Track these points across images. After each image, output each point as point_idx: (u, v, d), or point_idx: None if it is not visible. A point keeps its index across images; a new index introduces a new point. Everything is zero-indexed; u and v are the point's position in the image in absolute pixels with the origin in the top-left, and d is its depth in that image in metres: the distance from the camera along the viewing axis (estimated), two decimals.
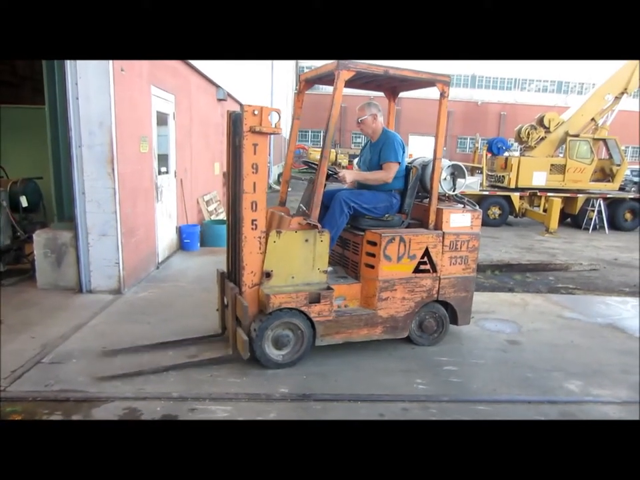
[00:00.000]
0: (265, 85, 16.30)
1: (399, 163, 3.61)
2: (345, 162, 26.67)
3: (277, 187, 18.93)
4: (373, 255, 3.47)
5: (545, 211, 11.39)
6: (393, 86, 4.09)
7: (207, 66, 7.35)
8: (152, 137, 5.38)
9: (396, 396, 2.96)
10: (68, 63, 4.16)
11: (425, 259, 3.56)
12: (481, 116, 33.83)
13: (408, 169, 3.75)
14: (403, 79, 3.58)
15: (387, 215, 3.65)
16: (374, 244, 3.47)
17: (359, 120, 3.75)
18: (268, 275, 3.17)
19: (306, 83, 3.89)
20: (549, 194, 11.44)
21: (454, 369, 3.38)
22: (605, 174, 12.48)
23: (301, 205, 3.55)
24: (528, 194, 11.64)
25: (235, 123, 3.23)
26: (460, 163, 3.99)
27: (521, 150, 12.92)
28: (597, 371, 3.46)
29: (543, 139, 12.26)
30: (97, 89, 4.24)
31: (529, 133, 12.33)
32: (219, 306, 3.71)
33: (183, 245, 6.49)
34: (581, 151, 11.71)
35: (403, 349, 3.61)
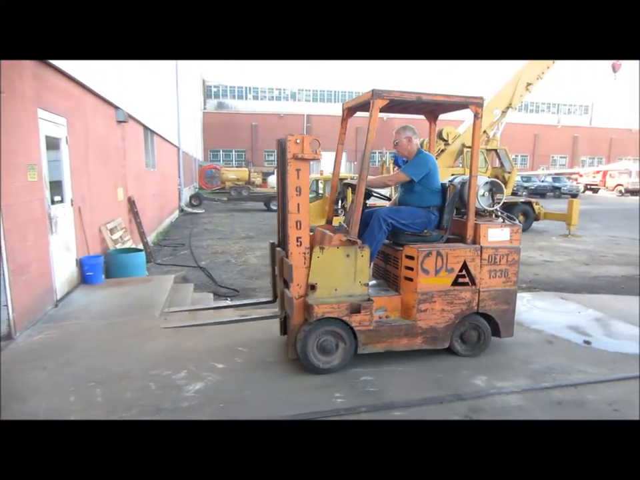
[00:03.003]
0: (170, 104, 15.83)
1: (411, 179, 3.80)
2: (258, 180, 26.31)
3: (189, 210, 18.30)
4: (411, 269, 3.64)
5: None
6: (430, 109, 4.21)
7: (103, 86, 6.95)
8: (41, 164, 4.94)
9: (314, 413, 2.94)
10: None
11: (464, 272, 3.68)
12: (387, 131, 35.13)
13: (445, 187, 3.90)
14: (435, 103, 3.77)
15: (425, 231, 3.81)
16: (412, 258, 3.63)
17: (395, 143, 3.92)
18: (313, 287, 3.40)
19: (348, 111, 4.11)
20: None
21: (370, 378, 3.45)
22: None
23: (343, 223, 3.78)
24: None
25: (281, 150, 3.51)
26: (497, 180, 4.17)
27: None
28: (500, 364, 3.72)
29: (443, 151, 13.15)
30: None
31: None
32: (271, 277, 4.13)
33: (85, 278, 5.98)
34: None
35: None
